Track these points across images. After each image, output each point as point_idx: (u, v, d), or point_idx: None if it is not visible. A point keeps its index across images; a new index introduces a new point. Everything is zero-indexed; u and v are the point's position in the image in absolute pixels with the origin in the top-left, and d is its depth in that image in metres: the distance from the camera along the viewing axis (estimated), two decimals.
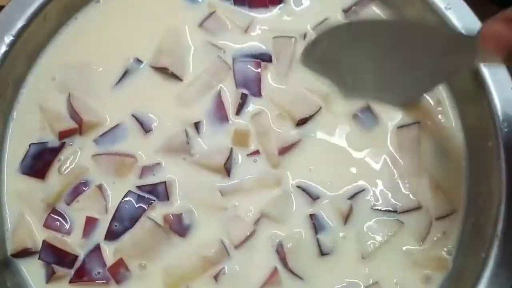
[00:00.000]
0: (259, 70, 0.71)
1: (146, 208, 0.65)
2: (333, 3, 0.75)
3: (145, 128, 0.68)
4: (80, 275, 0.63)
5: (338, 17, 0.75)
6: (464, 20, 0.68)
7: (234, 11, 0.74)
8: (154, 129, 0.69)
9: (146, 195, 0.66)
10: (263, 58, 0.72)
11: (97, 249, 0.64)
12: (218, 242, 0.65)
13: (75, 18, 0.73)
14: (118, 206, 0.65)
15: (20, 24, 0.67)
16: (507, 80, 0.66)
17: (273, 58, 0.72)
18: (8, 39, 0.66)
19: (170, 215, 0.65)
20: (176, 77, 0.70)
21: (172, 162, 0.67)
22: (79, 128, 0.68)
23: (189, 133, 0.68)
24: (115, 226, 0.65)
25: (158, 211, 0.66)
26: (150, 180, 0.67)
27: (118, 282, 0.63)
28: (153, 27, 0.73)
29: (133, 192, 0.66)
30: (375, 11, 0.76)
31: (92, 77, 0.70)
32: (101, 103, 0.70)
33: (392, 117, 0.70)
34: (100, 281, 0.63)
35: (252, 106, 0.70)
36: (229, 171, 0.67)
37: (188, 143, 0.67)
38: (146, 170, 0.67)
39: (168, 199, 0.66)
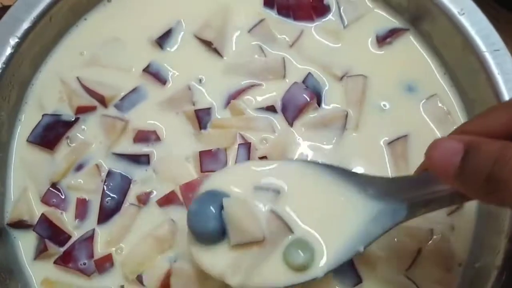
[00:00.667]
0: (308, 102, 0.69)
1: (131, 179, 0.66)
2: (367, 28, 0.74)
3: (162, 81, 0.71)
4: (67, 260, 0.64)
5: (369, 47, 0.73)
6: (478, 25, 0.66)
7: (281, 22, 0.73)
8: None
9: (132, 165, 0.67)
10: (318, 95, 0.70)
11: (90, 238, 0.64)
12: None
13: (84, 18, 0.74)
14: (106, 178, 0.66)
15: (25, 25, 0.67)
16: None
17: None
18: (13, 41, 0.66)
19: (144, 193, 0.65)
20: (218, 53, 0.71)
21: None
22: (103, 102, 0.69)
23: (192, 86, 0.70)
24: (107, 202, 0.65)
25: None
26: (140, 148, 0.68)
27: (100, 273, 0.64)
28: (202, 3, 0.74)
29: (119, 159, 0.67)
30: (412, 41, 0.74)
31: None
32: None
33: None
34: (82, 272, 0.63)
35: (269, 122, 0.68)
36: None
37: (190, 89, 0.69)
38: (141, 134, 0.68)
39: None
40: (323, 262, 0.52)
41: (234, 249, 0.53)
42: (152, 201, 0.65)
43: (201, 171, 0.65)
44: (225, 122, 0.68)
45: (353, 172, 0.56)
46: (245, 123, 0.68)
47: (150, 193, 0.66)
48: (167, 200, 0.65)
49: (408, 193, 0.51)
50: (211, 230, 0.52)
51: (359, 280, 0.63)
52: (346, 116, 0.69)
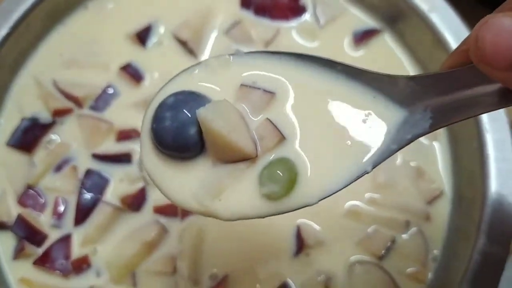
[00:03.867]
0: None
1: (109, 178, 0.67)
2: (343, 28, 0.75)
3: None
4: (44, 260, 0.64)
5: (345, 47, 0.74)
6: (448, 23, 0.67)
7: (258, 22, 0.74)
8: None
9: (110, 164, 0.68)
10: None
11: (67, 238, 0.65)
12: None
13: (62, 23, 0.74)
14: (83, 178, 0.67)
15: (3, 32, 0.67)
16: None
17: None
18: None
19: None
20: (193, 53, 0.72)
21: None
22: (78, 103, 0.70)
23: None
24: (83, 201, 0.66)
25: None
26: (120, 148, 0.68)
27: (77, 274, 0.64)
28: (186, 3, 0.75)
29: (99, 158, 0.68)
30: (386, 42, 0.75)
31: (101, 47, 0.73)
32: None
33: None
34: (60, 272, 0.64)
35: None
36: None
37: None
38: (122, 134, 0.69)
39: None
40: (315, 185, 0.40)
41: (212, 167, 0.41)
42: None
43: None
44: None
45: (362, 70, 0.42)
46: None
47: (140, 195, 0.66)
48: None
49: (433, 98, 0.39)
50: (190, 142, 0.39)
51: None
52: None
